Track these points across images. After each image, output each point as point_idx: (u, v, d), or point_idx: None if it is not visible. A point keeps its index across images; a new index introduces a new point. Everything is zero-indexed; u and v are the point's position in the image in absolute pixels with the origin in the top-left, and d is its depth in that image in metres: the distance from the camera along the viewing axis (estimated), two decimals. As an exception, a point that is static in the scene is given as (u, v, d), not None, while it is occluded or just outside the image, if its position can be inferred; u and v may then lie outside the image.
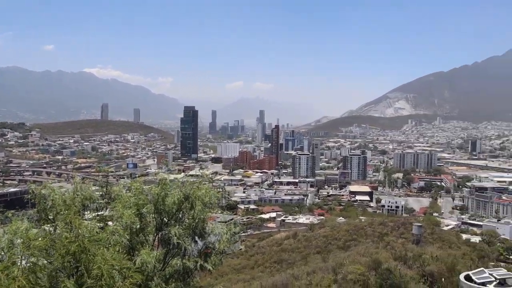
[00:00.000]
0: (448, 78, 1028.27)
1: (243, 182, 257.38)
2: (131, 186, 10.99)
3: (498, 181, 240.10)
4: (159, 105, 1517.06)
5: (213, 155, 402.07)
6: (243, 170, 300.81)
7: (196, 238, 10.69)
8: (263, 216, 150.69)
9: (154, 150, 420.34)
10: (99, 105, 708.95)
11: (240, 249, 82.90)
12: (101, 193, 11.25)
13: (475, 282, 5.04)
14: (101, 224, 9.79)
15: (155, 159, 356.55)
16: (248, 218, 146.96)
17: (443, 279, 11.60)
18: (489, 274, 5.19)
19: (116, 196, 10.62)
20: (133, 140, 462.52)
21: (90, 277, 7.05)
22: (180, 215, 10.86)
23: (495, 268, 4.64)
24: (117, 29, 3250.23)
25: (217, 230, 11.31)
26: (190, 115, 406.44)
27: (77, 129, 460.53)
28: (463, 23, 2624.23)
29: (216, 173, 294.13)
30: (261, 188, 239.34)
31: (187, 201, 10.66)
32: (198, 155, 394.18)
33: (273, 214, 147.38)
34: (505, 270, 5.15)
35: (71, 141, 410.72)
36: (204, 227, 10.96)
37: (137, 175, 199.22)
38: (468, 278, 5.12)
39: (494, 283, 5.07)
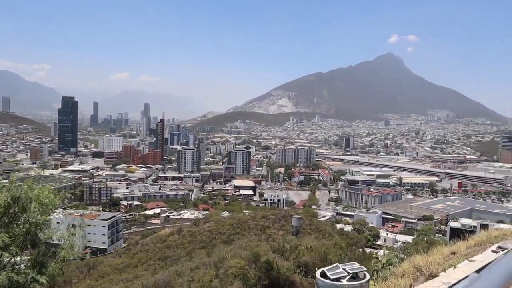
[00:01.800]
0: (326, 79, 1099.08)
1: (126, 177, 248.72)
2: None
3: (368, 175, 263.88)
4: (34, 94, 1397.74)
5: (94, 149, 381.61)
6: (126, 165, 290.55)
7: (29, 246, 9.38)
8: (147, 212, 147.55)
9: (27, 143, 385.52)
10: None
11: (123, 247, 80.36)
12: None
13: (329, 278, 5.63)
14: None
15: (28, 154, 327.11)
16: (132, 214, 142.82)
17: (316, 268, 12.62)
18: (343, 269, 5.84)
19: None
20: (1, 132, 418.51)
21: None
22: (7, 221, 9.25)
23: (349, 263, 5.21)
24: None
25: (57, 235, 10.09)
26: (69, 106, 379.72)
27: None
28: (339, 28, 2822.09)
29: (97, 168, 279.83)
30: (146, 183, 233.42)
31: (17, 204, 9.22)
32: (78, 149, 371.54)
33: (158, 210, 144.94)
34: (357, 264, 5.83)
35: None
36: (37, 234, 9.49)
37: None
38: (323, 274, 5.72)
39: (348, 277, 5.71)
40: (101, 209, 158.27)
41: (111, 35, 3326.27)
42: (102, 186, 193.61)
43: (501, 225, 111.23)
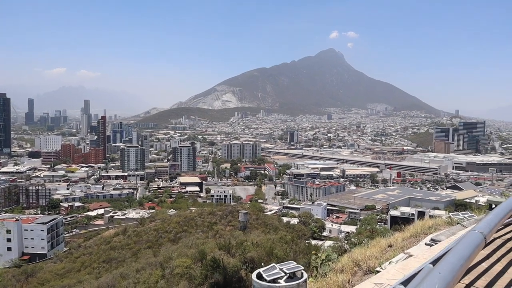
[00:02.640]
0: (270, 74, 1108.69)
1: (66, 178, 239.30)
2: None
3: (312, 168, 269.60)
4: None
5: (30, 149, 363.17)
6: (66, 165, 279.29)
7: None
8: (90, 213, 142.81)
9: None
10: None
11: (64, 251, 77.30)
12: None
13: (266, 280, 5.56)
14: None
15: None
16: (73, 216, 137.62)
17: (262, 264, 12.69)
18: (280, 269, 5.79)
19: None
20: None
21: None
22: None
23: (285, 262, 5.17)
24: None
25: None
26: (1, 104, 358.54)
27: None
28: (281, 24, 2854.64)
29: (34, 169, 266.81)
30: (88, 183, 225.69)
31: None
32: (12, 150, 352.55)
33: (101, 211, 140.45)
34: (295, 263, 5.82)
35: None
36: None
37: None
38: (260, 276, 5.62)
39: (285, 277, 5.67)
40: (39, 212, 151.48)
41: (46, 28, 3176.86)
42: (40, 187, 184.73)
43: (437, 212, 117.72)
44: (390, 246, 8.57)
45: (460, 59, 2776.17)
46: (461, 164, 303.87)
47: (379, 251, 8.29)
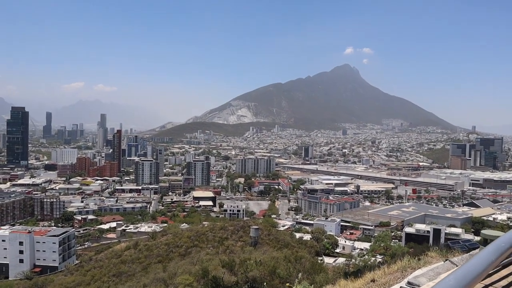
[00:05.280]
0: (285, 89, 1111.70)
1: (81, 190, 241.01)
2: None
3: (326, 183, 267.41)
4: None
5: (47, 162, 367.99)
6: (81, 178, 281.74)
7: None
8: (103, 226, 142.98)
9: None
10: None
11: (75, 264, 77.33)
12: None
13: None
14: None
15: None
16: (86, 229, 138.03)
17: (265, 283, 12.26)
18: None
19: None
20: None
21: None
22: None
23: None
24: None
25: None
26: (19, 117, 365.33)
27: None
28: (297, 40, 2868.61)
29: (50, 181, 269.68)
30: (101, 196, 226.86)
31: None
32: (29, 162, 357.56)
33: (114, 224, 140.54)
34: None
35: None
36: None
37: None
38: None
39: None
40: (53, 224, 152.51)
41: (64, 43, 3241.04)
42: (55, 200, 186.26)
43: (453, 229, 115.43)
44: (373, 281, 8.03)
45: (476, 75, 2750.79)
46: (478, 180, 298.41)
47: (364, 283, 7.81)
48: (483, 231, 6.13)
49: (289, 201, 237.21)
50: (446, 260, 6.99)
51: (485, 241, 6.07)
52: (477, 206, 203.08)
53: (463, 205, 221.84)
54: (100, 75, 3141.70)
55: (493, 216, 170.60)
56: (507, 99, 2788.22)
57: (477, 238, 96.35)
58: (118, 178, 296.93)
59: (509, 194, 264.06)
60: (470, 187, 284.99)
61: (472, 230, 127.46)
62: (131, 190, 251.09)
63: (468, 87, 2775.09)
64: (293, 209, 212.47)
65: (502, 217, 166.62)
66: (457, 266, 6.82)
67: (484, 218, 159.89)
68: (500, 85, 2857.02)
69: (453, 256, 8.47)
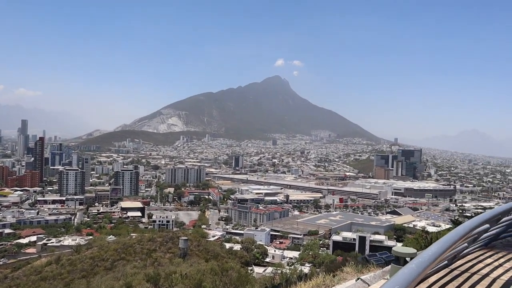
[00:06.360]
0: (216, 99, 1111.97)
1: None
2: None
3: (256, 193, 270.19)
4: None
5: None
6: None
7: None
8: (21, 241, 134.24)
9: None
10: None
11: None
12: None
13: None
14: None
15: None
16: (1, 245, 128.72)
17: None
18: None
19: None
20: None
21: None
22: None
23: None
24: None
25: None
26: None
27: None
28: (230, 50, 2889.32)
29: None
30: (21, 208, 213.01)
31: None
32: None
33: (34, 238, 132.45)
34: None
35: None
36: None
37: None
38: None
39: None
40: None
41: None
42: None
43: (377, 236, 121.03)
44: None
45: (399, 90, 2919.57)
46: (400, 190, 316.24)
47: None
48: (394, 248, 6.34)
49: (219, 211, 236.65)
50: (358, 279, 7.26)
51: (397, 259, 6.32)
52: (399, 214, 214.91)
53: (386, 213, 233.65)
54: (22, 78, 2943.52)
55: (413, 223, 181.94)
56: (426, 113, 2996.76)
57: (399, 244, 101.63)
58: (40, 188, 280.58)
59: (427, 202, 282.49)
60: (393, 196, 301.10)
61: (395, 236, 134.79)
62: (54, 201, 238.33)
63: (390, 102, 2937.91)
64: (223, 219, 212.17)
65: (420, 224, 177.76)
66: (368, 285, 7.15)
67: (405, 225, 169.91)
68: (419, 101, 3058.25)
69: (369, 270, 8.88)
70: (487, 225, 7.52)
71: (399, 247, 6.50)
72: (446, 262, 7.25)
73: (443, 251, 5.11)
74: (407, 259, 5.98)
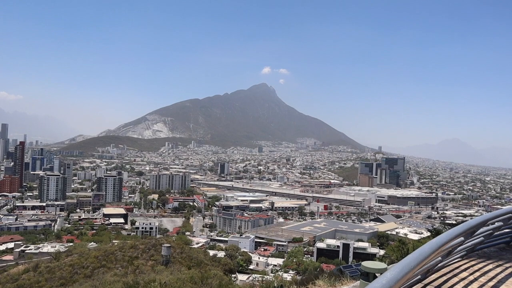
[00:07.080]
0: (202, 105, 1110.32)
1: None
2: None
3: (241, 200, 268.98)
4: None
5: None
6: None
7: None
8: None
9: None
10: None
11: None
12: None
13: None
14: None
15: None
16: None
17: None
18: None
19: None
20: None
21: None
22: None
23: None
24: None
25: None
26: None
27: None
28: (216, 57, 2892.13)
29: None
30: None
31: None
32: None
33: (11, 245, 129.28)
34: None
35: None
36: None
37: None
38: None
39: None
40: None
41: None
42: None
43: (360, 243, 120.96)
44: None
45: (381, 101, 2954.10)
46: (384, 197, 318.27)
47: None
48: (363, 263, 5.85)
49: (204, 218, 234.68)
50: None
51: (366, 275, 5.85)
52: (382, 221, 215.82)
53: (370, 220, 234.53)
54: (2, 82, 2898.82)
55: (396, 230, 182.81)
56: (409, 122, 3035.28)
57: (382, 252, 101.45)
58: (19, 194, 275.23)
59: (410, 210, 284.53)
60: (376, 204, 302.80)
61: (378, 243, 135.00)
62: (34, 207, 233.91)
63: (375, 110, 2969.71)
64: (207, 226, 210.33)
65: (403, 231, 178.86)
66: None
67: (388, 232, 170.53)
68: (403, 110, 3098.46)
69: (341, 284, 8.27)
70: (462, 238, 7.23)
71: (368, 262, 6.08)
72: (419, 277, 6.93)
73: (416, 265, 4.82)
74: (377, 274, 5.62)
